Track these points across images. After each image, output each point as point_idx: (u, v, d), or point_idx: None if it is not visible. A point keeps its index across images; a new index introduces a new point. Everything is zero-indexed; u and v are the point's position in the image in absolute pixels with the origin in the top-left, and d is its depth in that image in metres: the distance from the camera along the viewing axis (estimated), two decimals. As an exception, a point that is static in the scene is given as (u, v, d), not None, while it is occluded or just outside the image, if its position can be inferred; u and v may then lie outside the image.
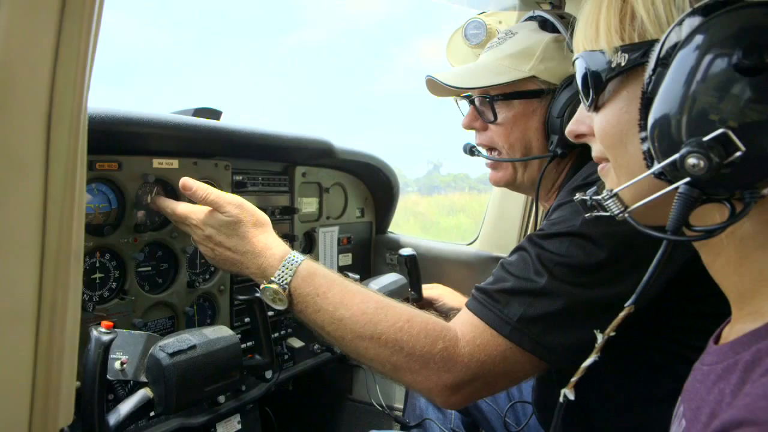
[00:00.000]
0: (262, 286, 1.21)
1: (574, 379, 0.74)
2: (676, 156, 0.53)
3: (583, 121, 0.74)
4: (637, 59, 0.60)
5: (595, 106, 0.67)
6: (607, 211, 0.67)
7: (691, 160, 0.51)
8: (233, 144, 1.63)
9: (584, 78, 0.67)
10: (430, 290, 1.95)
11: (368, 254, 2.39)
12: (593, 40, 0.66)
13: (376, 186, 2.31)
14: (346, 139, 1.96)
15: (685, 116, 0.52)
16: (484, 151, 1.43)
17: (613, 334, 0.70)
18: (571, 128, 0.77)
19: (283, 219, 1.90)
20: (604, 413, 1.17)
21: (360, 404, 2.32)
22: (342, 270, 2.16)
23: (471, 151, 1.45)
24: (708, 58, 0.50)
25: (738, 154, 0.49)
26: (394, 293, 1.85)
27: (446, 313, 1.88)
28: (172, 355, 1.10)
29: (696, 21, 0.52)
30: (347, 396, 2.36)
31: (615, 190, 0.65)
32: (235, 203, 1.29)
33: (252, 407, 1.80)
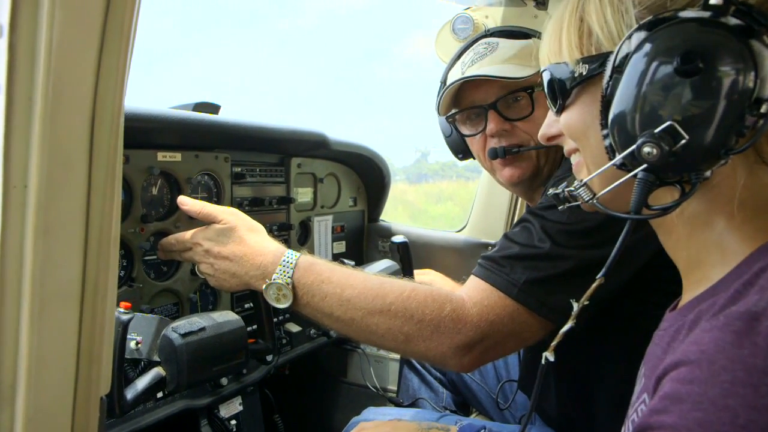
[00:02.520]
0: (263, 287, 1.24)
1: (554, 343, 0.82)
2: (634, 146, 0.62)
3: (552, 125, 0.84)
4: (596, 69, 0.69)
5: (562, 110, 0.77)
6: (578, 201, 0.78)
7: (646, 149, 0.61)
8: (232, 137, 1.70)
9: (551, 86, 0.77)
10: (422, 275, 2.03)
11: (361, 242, 2.47)
12: (557, 54, 0.76)
13: (368, 176, 2.39)
14: (333, 127, 2.03)
15: (638, 113, 0.61)
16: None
17: (586, 302, 0.78)
18: (543, 132, 0.86)
19: (280, 208, 1.97)
20: (585, 377, 1.26)
21: (355, 386, 2.40)
22: (336, 257, 2.24)
23: (504, 152, 1.42)
24: (654, 64, 0.60)
25: (683, 142, 0.59)
26: (387, 278, 1.93)
27: None
28: (184, 335, 1.17)
29: (642, 34, 0.62)
30: (342, 379, 2.45)
31: (584, 180, 0.76)
32: (228, 211, 1.35)
33: (252, 389, 1.87)
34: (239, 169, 1.79)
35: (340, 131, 2.06)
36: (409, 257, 2.08)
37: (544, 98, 0.88)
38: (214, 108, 1.72)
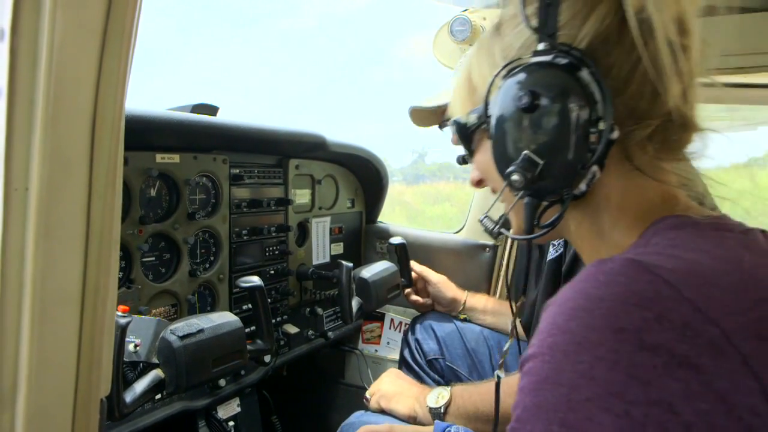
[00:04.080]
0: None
1: (500, 360, 0.93)
2: (507, 179, 0.71)
3: (474, 170, 0.93)
4: (481, 118, 0.78)
5: (471, 155, 0.88)
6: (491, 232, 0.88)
7: (514, 177, 0.70)
8: (230, 138, 1.70)
9: (457, 137, 0.86)
10: (429, 273, 2.05)
11: (359, 243, 2.47)
12: (455, 111, 0.86)
13: (366, 177, 2.39)
14: (330, 128, 2.03)
15: (506, 149, 0.71)
16: None
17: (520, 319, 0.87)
18: (471, 177, 0.96)
19: (278, 210, 1.97)
20: None
21: (352, 388, 2.41)
22: (334, 259, 2.24)
23: (463, 160, 1.50)
24: (507, 105, 0.70)
25: (540, 167, 0.68)
26: (385, 280, 1.94)
27: (447, 305, 1.98)
28: (182, 338, 1.17)
29: (501, 83, 0.71)
30: (339, 380, 2.45)
31: (485, 213, 0.87)
32: None
33: (250, 391, 1.88)
34: (237, 171, 1.79)
35: (337, 132, 2.07)
36: (406, 259, 2.09)
37: None
38: (212, 109, 1.72)
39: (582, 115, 0.65)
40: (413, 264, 2.10)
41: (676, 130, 0.69)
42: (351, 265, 1.87)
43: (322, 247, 2.22)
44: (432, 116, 1.51)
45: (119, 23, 0.61)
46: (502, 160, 0.72)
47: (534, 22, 0.68)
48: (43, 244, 0.61)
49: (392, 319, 2.39)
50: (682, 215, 0.68)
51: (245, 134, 1.71)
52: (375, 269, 1.94)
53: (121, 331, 1.06)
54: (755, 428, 0.49)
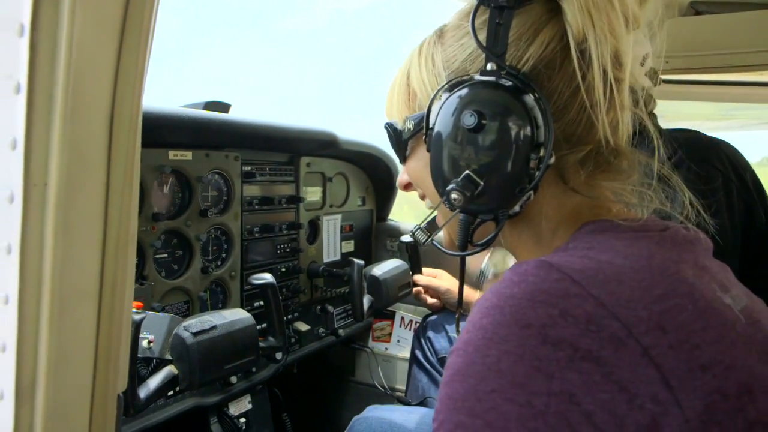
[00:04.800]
0: None
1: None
2: (445, 195, 0.70)
3: (403, 174, 0.92)
4: (419, 125, 0.77)
5: (404, 160, 0.86)
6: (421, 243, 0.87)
7: (454, 195, 0.69)
8: (242, 136, 1.71)
9: (391, 141, 0.86)
10: (432, 276, 2.04)
11: (369, 241, 2.47)
12: (389, 113, 0.85)
13: (377, 175, 2.39)
14: (340, 126, 2.03)
15: (445, 164, 0.70)
16: None
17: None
18: (399, 179, 0.94)
19: (289, 207, 1.97)
20: None
21: (363, 386, 2.41)
22: (345, 257, 2.24)
23: None
24: (452, 121, 0.68)
25: (480, 188, 0.68)
26: (397, 278, 1.93)
27: (455, 305, 1.97)
28: (196, 334, 1.18)
29: (444, 96, 0.70)
30: (350, 378, 2.45)
31: (417, 225, 0.87)
32: None
33: (261, 388, 1.88)
34: (249, 168, 1.79)
35: (346, 130, 2.06)
36: (417, 257, 2.08)
37: None
38: (224, 107, 1.73)
39: (524, 140, 0.66)
40: (424, 272, 2.10)
41: (608, 155, 0.71)
42: (362, 262, 1.87)
43: (332, 245, 2.22)
44: None
45: (137, 19, 0.61)
46: (439, 175, 0.72)
47: (482, 38, 0.68)
48: (61, 240, 0.61)
49: (403, 318, 2.39)
50: (605, 220, 0.69)
51: (257, 132, 1.71)
52: (386, 267, 1.94)
53: (136, 328, 1.06)
54: (658, 416, 0.51)
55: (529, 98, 0.66)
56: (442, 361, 1.89)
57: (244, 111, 1.72)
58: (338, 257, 2.25)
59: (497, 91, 0.66)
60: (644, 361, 0.53)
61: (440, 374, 1.89)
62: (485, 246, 0.76)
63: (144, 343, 1.19)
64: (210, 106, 1.68)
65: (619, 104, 0.69)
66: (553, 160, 0.67)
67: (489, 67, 0.67)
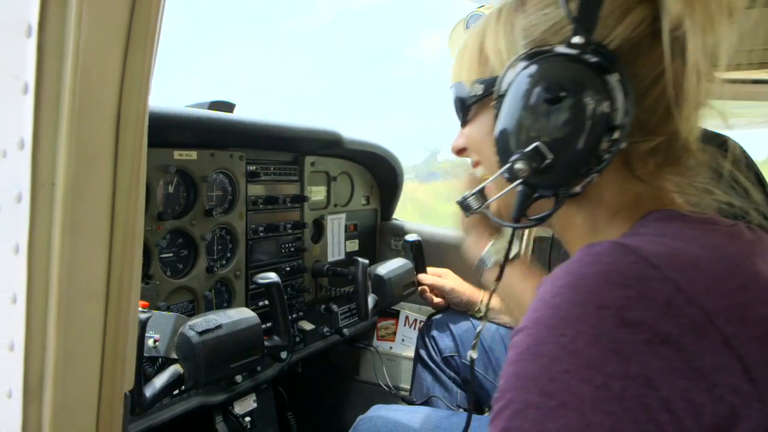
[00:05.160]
0: None
1: (474, 341, 0.96)
2: (509, 163, 0.69)
3: (458, 138, 0.91)
4: (488, 89, 0.77)
5: (464, 123, 0.85)
6: (472, 209, 0.86)
7: (518, 165, 0.68)
8: (247, 135, 1.71)
9: (455, 102, 0.85)
10: (438, 276, 2.04)
11: (374, 240, 2.47)
12: (458, 75, 0.83)
13: (381, 174, 2.39)
14: (344, 125, 2.03)
15: (515, 133, 0.69)
16: None
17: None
18: (453, 144, 0.94)
19: (294, 207, 1.98)
20: None
21: (367, 385, 2.41)
22: (349, 256, 2.24)
23: None
24: (528, 91, 0.67)
25: (548, 161, 0.67)
26: (401, 277, 1.93)
27: (464, 306, 1.97)
28: (201, 333, 1.18)
29: (523, 63, 0.69)
30: (354, 377, 2.45)
31: (474, 189, 0.85)
32: None
33: (266, 387, 1.88)
34: (254, 168, 1.79)
35: (350, 129, 2.07)
36: (422, 256, 2.08)
37: None
38: (229, 106, 1.73)
39: (600, 120, 0.64)
40: (428, 271, 2.10)
41: (678, 150, 0.70)
42: (367, 261, 1.87)
43: (337, 244, 2.22)
44: None
45: (144, 19, 0.61)
46: (505, 143, 0.70)
47: (572, 10, 0.66)
48: (69, 239, 0.61)
49: (407, 317, 2.39)
50: (671, 210, 0.69)
51: (262, 131, 1.71)
52: (391, 266, 1.94)
53: (141, 327, 1.07)
54: (737, 408, 0.50)
55: (612, 78, 0.64)
56: (446, 360, 1.89)
57: (249, 111, 1.72)
58: (343, 256, 2.25)
59: (581, 66, 0.65)
60: (726, 350, 0.52)
61: (444, 374, 1.89)
62: (540, 221, 0.74)
63: (150, 342, 1.19)
64: (215, 105, 1.69)
65: (699, 99, 0.67)
66: (624, 145, 0.66)
67: (576, 40, 0.66)
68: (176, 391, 1.45)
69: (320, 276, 2.08)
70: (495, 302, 1.94)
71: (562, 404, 0.52)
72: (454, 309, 2.01)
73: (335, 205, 2.20)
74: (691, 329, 0.52)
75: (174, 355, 1.20)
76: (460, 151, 0.91)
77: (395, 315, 2.40)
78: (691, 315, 0.53)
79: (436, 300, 2.03)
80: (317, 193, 2.12)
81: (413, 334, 2.33)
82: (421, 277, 2.04)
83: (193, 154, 1.56)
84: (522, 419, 0.54)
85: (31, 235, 0.59)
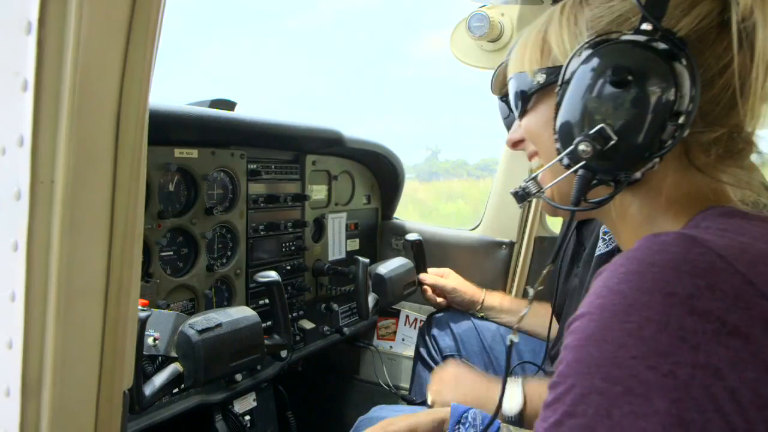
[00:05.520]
0: None
1: (516, 325, 0.93)
2: (572, 145, 0.70)
3: (516, 130, 0.93)
4: (551, 78, 0.79)
5: (524, 114, 0.87)
6: (529, 196, 0.87)
7: (582, 147, 0.69)
8: (248, 134, 1.71)
9: (515, 94, 0.87)
10: (439, 275, 2.03)
11: (375, 239, 2.47)
12: (520, 65, 0.85)
13: (382, 173, 2.39)
14: (345, 124, 2.03)
15: (579, 117, 0.70)
16: None
17: (540, 288, 0.89)
18: (509, 137, 0.96)
19: (294, 206, 1.98)
20: None
21: (367, 384, 2.41)
22: (350, 255, 2.24)
23: None
24: (594, 75, 0.68)
25: (612, 142, 0.67)
26: (402, 276, 1.93)
27: (465, 305, 1.97)
28: (201, 332, 1.18)
29: (588, 51, 0.70)
30: (355, 376, 2.45)
31: (533, 174, 0.85)
32: None
33: (266, 385, 1.88)
34: (255, 166, 1.79)
35: (351, 129, 2.06)
36: (423, 255, 2.08)
37: None
38: (230, 105, 1.73)
39: (665, 106, 0.65)
40: (429, 271, 2.09)
41: (739, 142, 0.70)
42: (368, 261, 1.87)
43: (338, 243, 2.22)
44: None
45: (144, 16, 0.61)
46: (569, 128, 0.71)
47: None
48: (68, 237, 0.61)
49: (407, 316, 2.39)
50: (730, 206, 0.69)
51: (263, 130, 1.71)
52: (391, 265, 1.94)
53: (141, 325, 1.06)
54: None
55: (679, 65, 0.65)
56: (446, 359, 1.88)
57: (250, 109, 1.72)
58: (343, 255, 2.25)
59: (649, 51, 0.66)
60: None
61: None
62: (599, 204, 0.75)
63: (149, 341, 1.19)
64: (216, 104, 1.69)
65: (765, 92, 0.67)
66: (686, 133, 0.67)
67: (644, 27, 0.67)
68: (176, 390, 1.45)
69: (321, 275, 2.08)
70: (494, 302, 1.94)
71: (627, 390, 0.52)
72: (456, 309, 2.01)
73: (336, 204, 2.20)
74: (761, 322, 0.53)
75: (174, 354, 1.20)
76: (516, 144, 0.93)
77: (395, 314, 2.40)
78: (761, 308, 0.53)
79: (438, 299, 2.03)
80: (318, 192, 2.12)
81: (413, 334, 2.33)
82: (423, 276, 2.04)
83: (193, 153, 1.56)
84: (586, 404, 0.54)
85: (30, 233, 0.59)
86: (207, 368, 1.19)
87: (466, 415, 1.22)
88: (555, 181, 0.79)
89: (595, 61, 0.69)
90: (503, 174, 2.23)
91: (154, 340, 1.19)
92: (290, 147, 1.98)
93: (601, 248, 1.35)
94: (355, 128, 2.10)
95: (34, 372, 0.61)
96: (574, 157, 0.70)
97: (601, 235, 1.37)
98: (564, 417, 0.56)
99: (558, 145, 0.75)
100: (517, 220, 2.21)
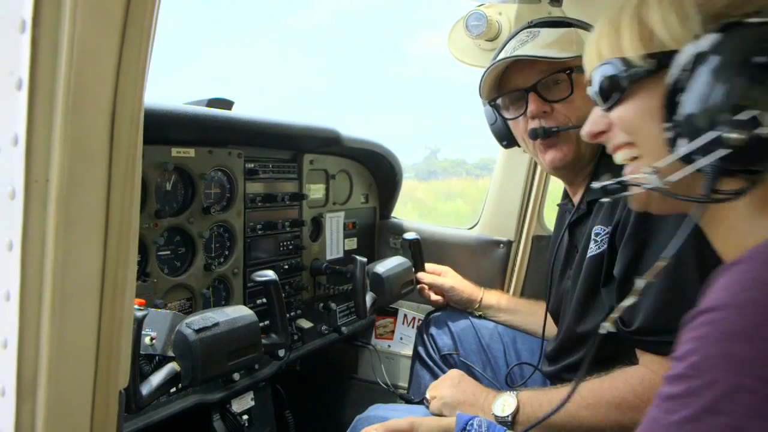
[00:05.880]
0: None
1: (614, 315, 0.88)
2: (713, 134, 0.66)
3: (598, 121, 0.87)
4: (662, 64, 0.74)
5: (616, 103, 0.81)
6: (633, 191, 0.82)
7: (729, 135, 0.64)
8: (246, 133, 1.71)
9: (605, 81, 0.81)
10: (438, 274, 2.03)
11: (373, 238, 2.47)
12: (615, 51, 0.81)
13: (380, 173, 2.39)
14: (344, 123, 2.02)
15: (716, 105, 0.65)
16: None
17: (653, 281, 0.83)
18: (589, 129, 0.89)
19: (292, 205, 1.97)
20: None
21: (365, 383, 2.41)
22: (348, 254, 2.24)
23: (544, 132, 1.46)
24: (736, 61, 0.64)
25: (761, 130, 0.62)
26: (399, 275, 1.93)
27: (463, 304, 1.97)
28: (198, 331, 1.18)
29: (715, 36, 0.67)
30: (353, 375, 2.45)
31: (657, 164, 0.77)
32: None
33: (264, 385, 1.88)
34: (252, 165, 1.79)
35: (350, 128, 2.06)
36: (420, 254, 2.08)
37: (583, 81, 0.92)
38: (227, 104, 1.72)
39: None
40: (427, 267, 2.09)
41: None
42: (365, 260, 1.86)
43: (335, 242, 2.22)
44: (538, 69, 1.47)
45: (139, 15, 0.61)
46: (695, 117, 0.67)
47: None
48: (63, 236, 0.61)
49: (405, 315, 2.39)
50: None
51: (260, 129, 1.71)
52: (389, 264, 1.94)
53: (138, 324, 1.06)
54: None
55: None
56: (444, 358, 1.88)
57: (248, 108, 1.72)
58: (341, 254, 2.25)
59: None
60: None
61: (443, 372, 1.88)
62: (735, 196, 0.71)
63: (146, 340, 1.18)
64: (213, 103, 1.68)
65: None
66: None
67: None
68: (173, 389, 1.45)
69: (319, 274, 2.08)
70: (492, 301, 1.94)
71: None
72: (454, 307, 2.01)
73: (334, 203, 2.20)
74: None
75: (171, 353, 1.19)
76: (597, 135, 0.88)
77: (394, 313, 2.40)
78: None
79: (434, 297, 2.03)
80: (316, 191, 2.12)
81: (412, 333, 2.33)
82: (421, 275, 2.04)
83: (191, 152, 1.56)
84: (733, 402, 0.52)
85: (25, 232, 0.59)
86: (204, 367, 1.18)
87: (471, 422, 1.22)
88: (685, 170, 0.73)
89: (733, 46, 0.65)
90: (501, 173, 2.23)
91: (151, 339, 1.19)
92: (288, 146, 1.98)
93: (592, 249, 1.35)
94: (354, 127, 2.10)
95: (29, 371, 0.61)
96: (706, 147, 0.66)
97: (592, 236, 1.37)
98: (703, 413, 0.53)
99: (670, 135, 0.71)
100: (514, 219, 2.21)
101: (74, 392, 0.66)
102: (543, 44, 1.44)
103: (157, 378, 1.15)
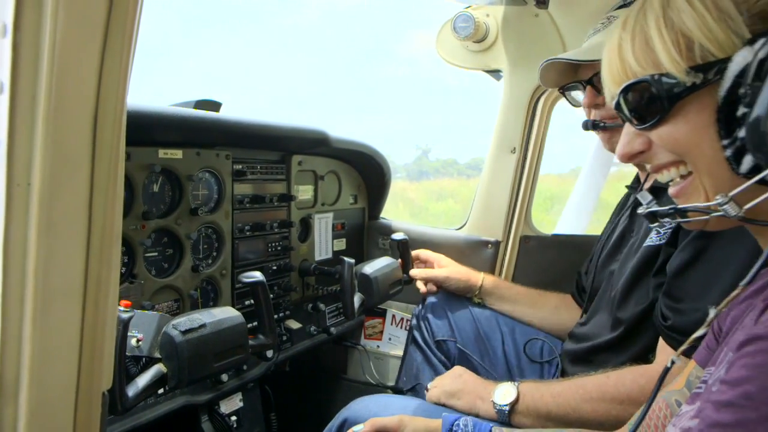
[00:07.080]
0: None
1: (683, 347, 0.81)
2: None
3: (633, 141, 0.80)
4: (711, 77, 0.67)
5: (660, 122, 0.73)
6: (686, 217, 0.76)
7: None
8: (234, 134, 1.71)
9: (647, 100, 0.73)
10: (437, 273, 1.99)
11: (361, 239, 2.47)
12: (653, 66, 0.73)
13: (369, 173, 2.39)
14: (333, 124, 2.03)
15: None
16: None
17: (724, 309, 0.77)
18: (624, 150, 0.81)
19: (281, 206, 1.98)
20: None
21: (355, 383, 2.41)
22: (337, 255, 2.25)
23: (592, 125, 1.49)
24: None
25: None
26: (387, 275, 1.93)
27: (462, 291, 1.96)
28: (185, 332, 1.18)
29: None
30: (342, 376, 2.46)
31: (731, 193, 0.68)
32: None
33: (253, 386, 1.88)
34: (240, 167, 1.79)
35: (340, 129, 2.07)
36: (408, 254, 2.09)
37: None
38: (215, 105, 1.73)
39: None
40: (420, 252, 2.08)
41: None
42: (353, 261, 1.87)
43: (324, 243, 2.23)
44: (569, 72, 1.52)
45: (121, 19, 0.61)
46: (764, 131, 0.59)
47: None
48: (45, 239, 0.61)
49: (394, 316, 2.39)
50: None
51: (248, 130, 1.71)
52: (377, 265, 1.94)
53: (124, 326, 1.06)
54: None
55: None
56: (438, 343, 1.86)
57: (238, 108, 1.73)
58: (330, 255, 2.25)
59: None
60: None
61: (435, 356, 1.86)
62: None
63: (132, 342, 1.19)
64: (201, 104, 1.68)
65: None
66: None
67: None
68: (161, 391, 1.45)
69: (307, 275, 2.08)
70: (494, 289, 1.92)
71: None
72: (451, 292, 1.97)
73: (323, 204, 2.20)
74: None
75: (157, 355, 1.20)
76: (634, 156, 0.80)
77: (382, 314, 2.41)
78: None
79: (424, 290, 1.98)
80: (304, 192, 2.12)
81: (400, 333, 2.33)
82: (414, 273, 2.03)
83: (178, 153, 1.56)
84: None
85: (6, 235, 0.59)
86: (190, 369, 1.18)
87: (457, 422, 1.22)
88: (762, 197, 0.65)
89: None
90: (489, 173, 2.24)
91: (138, 341, 1.19)
92: (276, 147, 1.98)
93: (653, 239, 1.34)
94: (344, 128, 2.10)
95: (11, 373, 0.61)
96: None
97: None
98: None
99: (729, 153, 0.65)
100: (502, 219, 2.22)
101: (57, 394, 0.66)
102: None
103: (143, 379, 1.16)
